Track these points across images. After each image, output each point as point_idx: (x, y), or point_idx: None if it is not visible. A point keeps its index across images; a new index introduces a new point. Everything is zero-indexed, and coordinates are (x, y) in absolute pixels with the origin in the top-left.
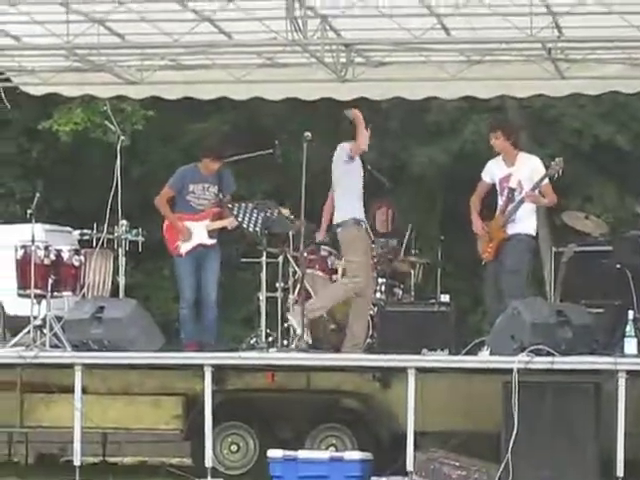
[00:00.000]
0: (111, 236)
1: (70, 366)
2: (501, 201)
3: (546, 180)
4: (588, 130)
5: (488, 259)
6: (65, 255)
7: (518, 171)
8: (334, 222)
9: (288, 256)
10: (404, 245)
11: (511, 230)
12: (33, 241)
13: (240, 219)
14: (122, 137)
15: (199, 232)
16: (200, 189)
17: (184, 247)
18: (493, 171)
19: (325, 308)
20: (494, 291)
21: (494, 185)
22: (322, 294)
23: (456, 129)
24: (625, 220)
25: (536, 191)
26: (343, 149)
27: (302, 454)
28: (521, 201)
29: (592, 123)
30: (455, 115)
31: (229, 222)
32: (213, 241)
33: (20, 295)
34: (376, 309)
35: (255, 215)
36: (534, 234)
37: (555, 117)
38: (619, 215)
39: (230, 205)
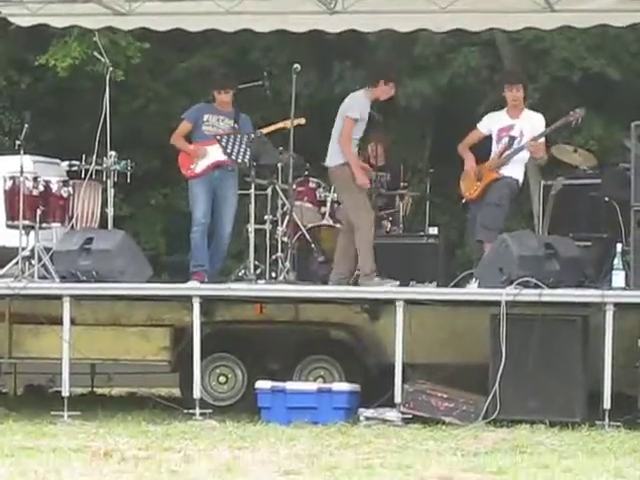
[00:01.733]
0: (100, 167)
1: (58, 297)
2: (497, 148)
3: (542, 139)
4: (578, 62)
5: (471, 198)
6: (54, 186)
7: (522, 123)
8: (327, 164)
9: (277, 188)
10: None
11: (502, 172)
12: (22, 172)
13: (229, 151)
14: (111, 68)
15: (216, 151)
16: (215, 119)
17: (200, 165)
18: (491, 122)
19: (372, 264)
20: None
21: (485, 137)
22: (362, 257)
23: (444, 62)
24: (610, 149)
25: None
26: (355, 100)
27: (290, 385)
28: (519, 149)
29: (582, 55)
30: (443, 48)
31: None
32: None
33: (8, 226)
34: None
35: (244, 146)
36: (520, 179)
37: (545, 50)
38: (605, 144)
39: (218, 137)
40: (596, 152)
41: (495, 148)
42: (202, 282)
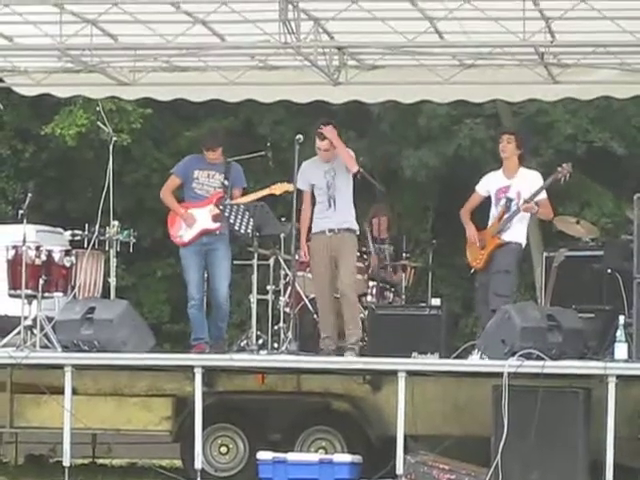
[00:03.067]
0: (102, 237)
1: (60, 367)
2: (496, 211)
3: (544, 194)
4: (582, 136)
5: (478, 267)
6: (56, 255)
7: (518, 183)
8: (342, 225)
9: (279, 258)
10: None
11: (505, 237)
12: (24, 241)
13: (232, 221)
14: (114, 138)
15: (203, 217)
16: (205, 176)
17: (187, 235)
18: (490, 183)
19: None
20: (485, 299)
21: (486, 198)
22: (355, 326)
23: (449, 134)
24: (623, 225)
25: (533, 202)
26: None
27: (292, 456)
28: (517, 211)
29: (586, 128)
30: (447, 120)
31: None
32: (217, 225)
33: (11, 295)
34: (367, 312)
35: (247, 216)
36: (523, 242)
37: (548, 123)
38: (617, 220)
39: (221, 206)
40: (611, 229)
41: (494, 211)
42: (204, 352)
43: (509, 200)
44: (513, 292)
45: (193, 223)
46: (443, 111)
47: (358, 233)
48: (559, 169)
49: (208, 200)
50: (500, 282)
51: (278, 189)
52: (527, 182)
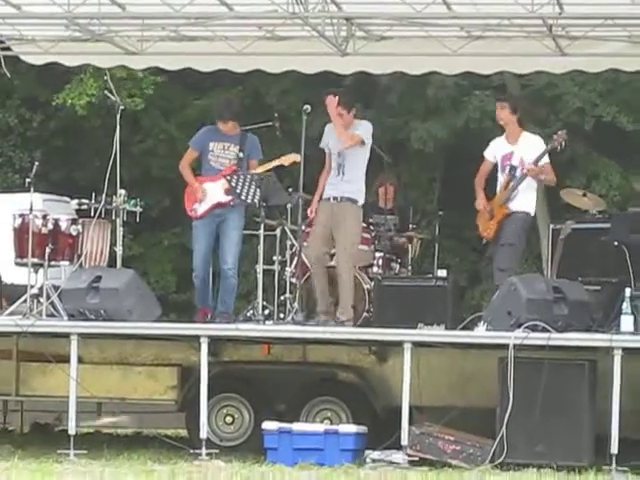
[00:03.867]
0: (109, 206)
1: (66, 335)
2: (502, 179)
3: (546, 159)
4: (590, 110)
5: (489, 237)
6: (63, 224)
7: (520, 149)
8: (344, 194)
9: (286, 229)
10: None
11: (512, 207)
12: (31, 210)
13: (238, 191)
14: (122, 107)
15: (215, 191)
16: (220, 148)
17: (200, 209)
18: (495, 149)
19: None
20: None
21: (495, 165)
22: (345, 304)
23: (459, 105)
24: (631, 198)
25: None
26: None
27: (297, 426)
28: (522, 178)
29: (594, 103)
30: (456, 91)
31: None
32: (230, 197)
33: (17, 264)
34: (373, 283)
35: (253, 187)
36: (533, 212)
37: (556, 96)
38: (625, 193)
39: (228, 177)
40: (618, 202)
41: (500, 178)
42: (207, 318)
43: (513, 168)
44: (519, 264)
45: (205, 197)
46: (451, 82)
47: (361, 204)
48: (555, 137)
49: (222, 173)
50: (503, 255)
51: (286, 160)
52: (530, 147)
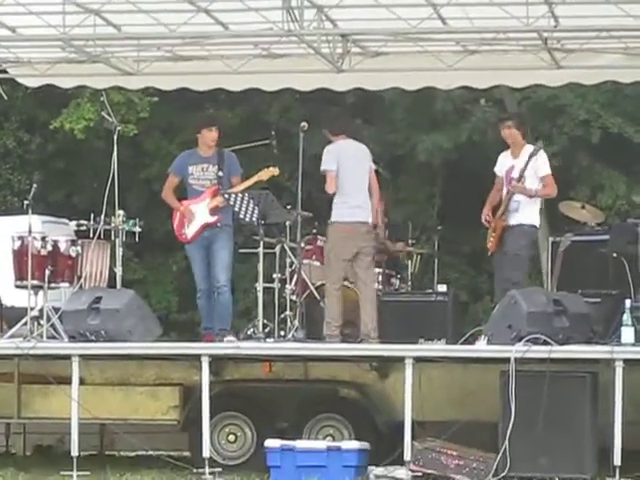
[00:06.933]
0: (108, 227)
1: (67, 357)
2: (505, 192)
3: (547, 171)
4: (595, 121)
5: (492, 249)
6: (62, 246)
7: (521, 162)
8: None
9: (285, 246)
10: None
11: (513, 220)
12: (30, 232)
13: (237, 209)
14: (119, 127)
15: (201, 212)
16: (199, 170)
17: (190, 231)
18: (501, 164)
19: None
20: (499, 281)
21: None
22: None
23: (463, 116)
24: (635, 208)
25: (523, 181)
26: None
27: (300, 444)
28: (512, 193)
29: (598, 114)
30: (461, 101)
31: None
32: (216, 217)
33: (17, 286)
34: None
35: (252, 205)
36: (535, 224)
37: (559, 108)
38: (632, 201)
39: (226, 195)
40: (625, 212)
41: (503, 192)
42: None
43: (513, 181)
44: (525, 273)
45: (192, 219)
46: (457, 93)
47: (333, 221)
48: (532, 151)
49: (205, 195)
50: (510, 268)
51: (264, 174)
52: (532, 161)
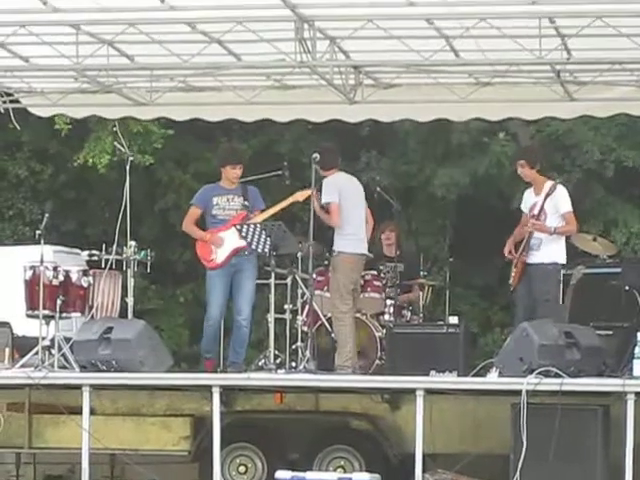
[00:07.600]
0: (120, 257)
1: (78, 387)
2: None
3: (569, 208)
4: (609, 156)
5: (514, 284)
6: (74, 276)
7: (542, 199)
8: (365, 252)
9: (297, 277)
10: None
11: (533, 259)
12: (42, 262)
13: (248, 240)
14: (131, 158)
15: (231, 238)
16: (225, 200)
17: (219, 256)
18: (526, 201)
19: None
20: (521, 315)
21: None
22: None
23: (481, 149)
24: None
25: (542, 218)
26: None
27: (310, 475)
28: (532, 232)
29: (611, 147)
30: (477, 132)
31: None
32: (245, 243)
33: (28, 316)
34: (385, 331)
35: (264, 236)
36: (558, 261)
37: (574, 143)
38: None
39: (238, 226)
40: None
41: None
42: (214, 369)
43: (532, 218)
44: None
45: (222, 245)
46: (474, 125)
47: (338, 251)
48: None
49: (232, 222)
50: (544, 312)
51: (301, 196)
52: (552, 197)
